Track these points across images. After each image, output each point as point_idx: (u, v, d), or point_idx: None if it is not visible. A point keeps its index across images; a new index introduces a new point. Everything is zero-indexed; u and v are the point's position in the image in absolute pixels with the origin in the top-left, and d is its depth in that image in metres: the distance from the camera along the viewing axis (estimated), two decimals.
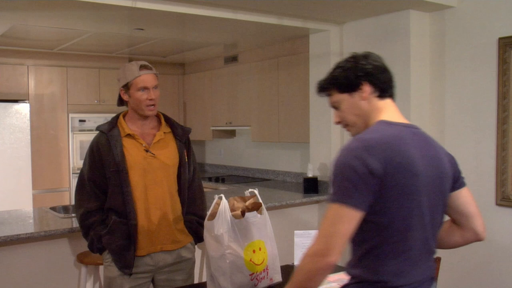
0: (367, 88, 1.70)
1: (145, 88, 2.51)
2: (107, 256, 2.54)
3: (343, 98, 1.74)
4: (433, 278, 1.73)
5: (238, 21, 4.11)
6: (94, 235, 2.52)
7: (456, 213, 1.79)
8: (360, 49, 4.54)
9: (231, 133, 6.68)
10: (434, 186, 1.64)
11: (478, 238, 1.80)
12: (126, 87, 2.53)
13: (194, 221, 2.68)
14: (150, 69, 2.56)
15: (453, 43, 3.90)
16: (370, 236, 1.59)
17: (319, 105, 4.69)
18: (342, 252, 1.53)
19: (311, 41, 4.77)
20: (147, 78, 2.52)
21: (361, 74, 1.70)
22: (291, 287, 1.60)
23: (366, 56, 1.76)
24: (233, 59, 6.23)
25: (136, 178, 2.50)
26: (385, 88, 1.72)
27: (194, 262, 2.72)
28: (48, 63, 6.01)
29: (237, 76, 6.11)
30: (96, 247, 2.54)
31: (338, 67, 1.77)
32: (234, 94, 6.13)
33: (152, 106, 2.55)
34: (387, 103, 1.72)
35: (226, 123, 6.27)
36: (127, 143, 2.52)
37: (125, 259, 2.48)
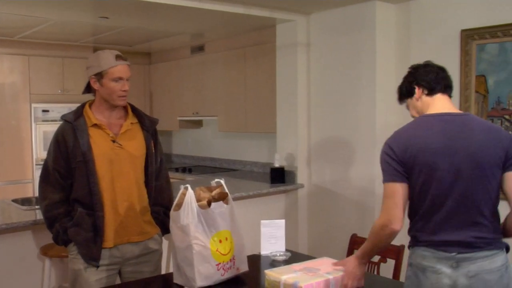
0: (417, 91, 2.15)
1: (120, 79, 2.49)
2: (72, 249, 2.51)
3: (407, 104, 2.23)
4: (473, 247, 1.93)
5: (205, 11, 4.08)
6: (60, 227, 2.49)
7: (507, 193, 1.99)
8: (326, 40, 4.61)
9: (198, 124, 6.65)
10: (467, 164, 1.95)
11: None
12: (99, 75, 2.49)
13: (161, 212, 2.67)
14: (125, 59, 2.54)
15: (418, 34, 3.97)
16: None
17: (285, 95, 4.70)
18: (401, 218, 1.99)
19: (278, 31, 4.77)
20: (122, 68, 2.51)
21: (412, 81, 2.17)
22: (365, 250, 2.16)
23: (420, 66, 2.21)
24: (200, 48, 6.19)
25: (102, 169, 2.47)
26: (433, 87, 2.12)
27: (161, 254, 2.71)
28: (8, 51, 5.84)
29: (204, 66, 6.08)
30: (62, 239, 2.50)
31: (403, 79, 2.24)
32: (201, 84, 6.10)
33: (124, 97, 2.53)
34: (435, 98, 2.12)
35: (193, 113, 6.24)
36: (94, 133, 2.49)
37: (92, 251, 2.46)
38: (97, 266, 2.47)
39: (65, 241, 2.51)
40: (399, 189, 2.00)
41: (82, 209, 2.47)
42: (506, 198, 1.99)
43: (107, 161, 2.48)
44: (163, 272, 2.80)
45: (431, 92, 2.13)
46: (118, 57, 2.50)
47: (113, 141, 2.51)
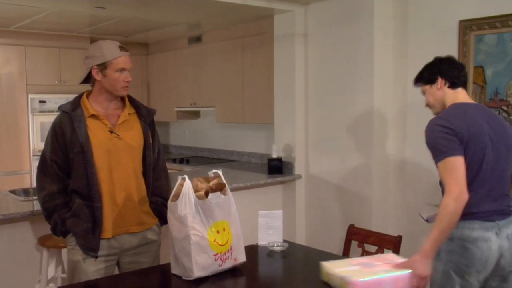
0: (440, 81, 2.44)
1: (123, 70, 2.49)
2: (71, 239, 2.50)
3: (424, 90, 2.52)
4: (508, 214, 2.32)
5: (202, 1, 4.06)
6: (58, 218, 2.48)
7: None
8: (324, 30, 4.59)
9: (196, 114, 6.64)
10: (501, 143, 2.32)
11: None
12: (103, 66, 2.47)
13: (160, 202, 2.66)
14: (127, 50, 2.55)
15: (416, 25, 3.95)
16: None
17: (283, 86, 4.69)
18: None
19: (275, 21, 4.75)
20: (126, 59, 2.52)
21: (435, 72, 2.46)
22: (436, 237, 2.14)
23: (443, 59, 2.50)
24: (197, 39, 6.16)
25: (100, 160, 2.46)
26: (455, 81, 2.43)
27: (159, 244, 2.71)
28: (5, 41, 5.80)
29: (201, 56, 6.05)
30: (60, 230, 2.50)
31: (424, 67, 2.54)
32: (199, 74, 6.08)
33: (127, 87, 2.54)
34: (458, 91, 2.43)
35: (191, 104, 6.23)
36: (91, 124, 2.48)
37: (90, 242, 2.46)
38: (96, 257, 2.47)
39: (63, 232, 2.51)
40: (462, 162, 2.20)
41: (80, 200, 2.46)
42: None
43: (105, 151, 2.47)
44: (161, 262, 2.80)
45: (453, 85, 2.43)
46: (121, 48, 2.51)
47: (111, 132, 2.50)
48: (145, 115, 2.65)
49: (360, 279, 1.99)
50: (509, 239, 2.28)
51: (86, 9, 4.64)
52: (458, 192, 2.13)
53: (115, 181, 2.50)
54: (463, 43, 3.64)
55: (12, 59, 5.88)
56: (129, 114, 2.60)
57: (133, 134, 2.58)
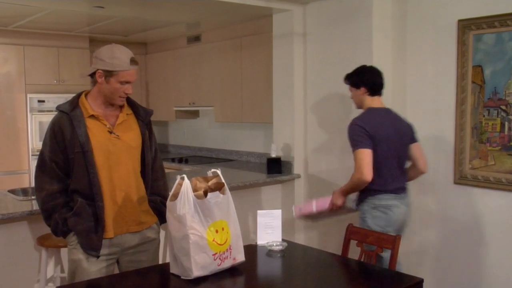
0: (362, 89, 3.24)
1: (127, 83, 2.48)
2: (72, 239, 2.49)
3: (351, 89, 3.33)
4: (405, 189, 3.25)
5: (201, 0, 4.06)
6: (59, 218, 2.47)
7: (411, 157, 3.30)
8: (323, 30, 4.58)
9: (195, 114, 6.64)
10: (398, 139, 3.17)
11: (421, 172, 3.36)
12: (108, 73, 2.45)
13: (158, 201, 2.67)
14: (137, 63, 2.52)
15: (415, 25, 3.95)
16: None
17: (282, 85, 4.69)
18: (371, 173, 3.03)
19: (274, 21, 4.75)
20: (133, 73, 2.50)
21: (361, 81, 3.24)
22: (345, 190, 3.23)
23: (368, 70, 3.29)
24: (196, 38, 6.16)
25: (101, 160, 2.46)
26: (374, 90, 3.24)
27: (159, 243, 2.71)
28: (3, 41, 5.80)
29: (200, 56, 6.05)
30: (61, 230, 2.49)
31: (354, 72, 3.31)
32: (197, 74, 6.08)
33: (124, 98, 2.53)
34: (374, 98, 3.25)
35: (189, 104, 6.23)
36: (91, 124, 2.47)
37: (93, 242, 2.46)
38: (98, 256, 2.47)
39: (64, 232, 2.50)
40: (369, 153, 3.04)
41: (82, 199, 2.46)
42: (410, 159, 3.29)
43: (105, 151, 2.47)
44: (159, 262, 2.81)
45: (372, 93, 3.23)
46: (132, 62, 2.48)
47: (110, 132, 2.50)
48: (143, 116, 2.66)
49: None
50: (407, 207, 3.22)
51: (85, 8, 4.64)
52: (359, 177, 3.04)
53: (116, 181, 2.50)
54: (461, 43, 3.64)
55: (10, 58, 5.87)
56: (127, 114, 2.60)
57: (131, 134, 2.58)
